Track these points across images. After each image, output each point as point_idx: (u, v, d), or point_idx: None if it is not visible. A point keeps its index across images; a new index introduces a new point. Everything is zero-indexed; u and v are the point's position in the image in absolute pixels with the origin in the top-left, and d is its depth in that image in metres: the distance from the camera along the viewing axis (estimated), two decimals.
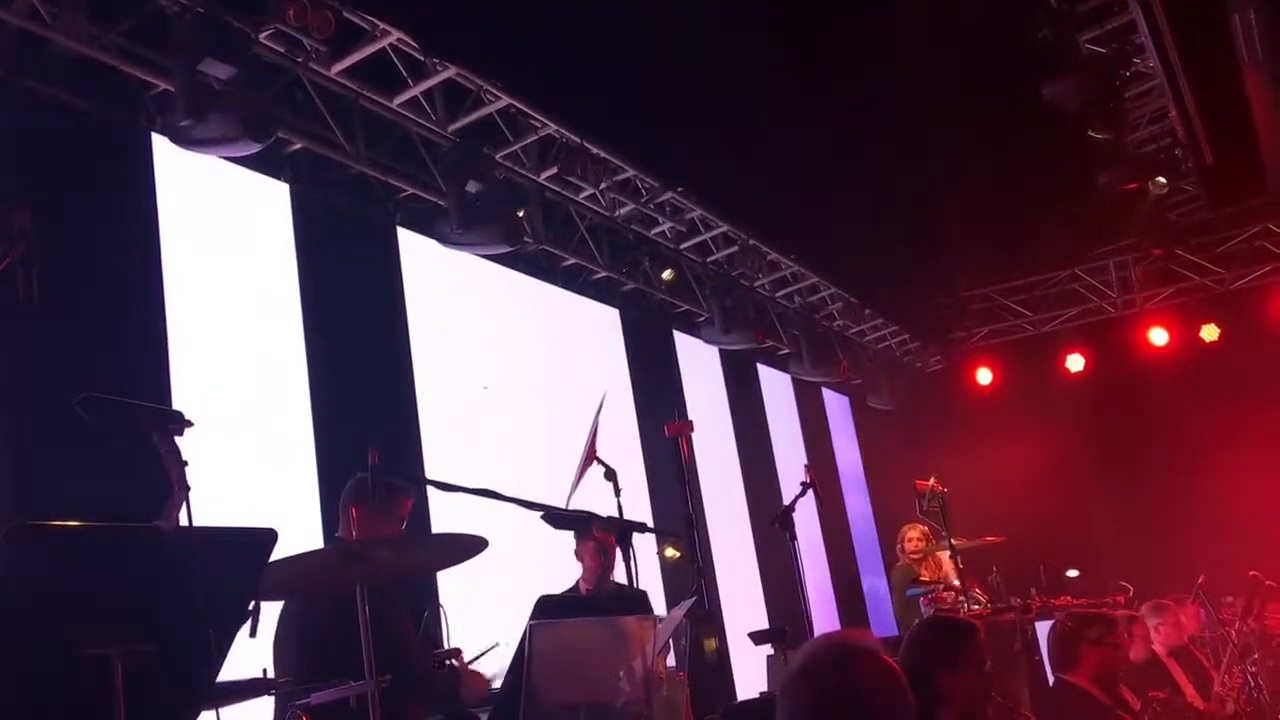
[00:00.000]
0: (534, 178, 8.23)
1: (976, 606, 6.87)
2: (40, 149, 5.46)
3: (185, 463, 2.42)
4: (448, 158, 7.53)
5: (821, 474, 10.85)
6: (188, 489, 2.38)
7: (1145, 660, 6.52)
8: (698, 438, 8.20)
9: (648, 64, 7.48)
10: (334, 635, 3.40)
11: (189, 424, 2.48)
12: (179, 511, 2.35)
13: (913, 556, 7.85)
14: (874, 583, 12.79)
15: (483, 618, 4.62)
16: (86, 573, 2.20)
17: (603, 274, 9.56)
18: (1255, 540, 10.45)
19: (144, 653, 2.21)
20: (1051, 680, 4.89)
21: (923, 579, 7.60)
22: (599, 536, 5.03)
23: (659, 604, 7.10)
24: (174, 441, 2.45)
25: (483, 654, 4.30)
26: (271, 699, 3.57)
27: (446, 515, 6.48)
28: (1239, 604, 7.63)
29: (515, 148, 7.95)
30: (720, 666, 8.04)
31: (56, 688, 2.22)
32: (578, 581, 5.72)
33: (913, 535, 7.90)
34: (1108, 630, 4.69)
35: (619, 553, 4.35)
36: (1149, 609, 7.11)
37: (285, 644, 3.82)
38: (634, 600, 4.25)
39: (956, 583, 7.11)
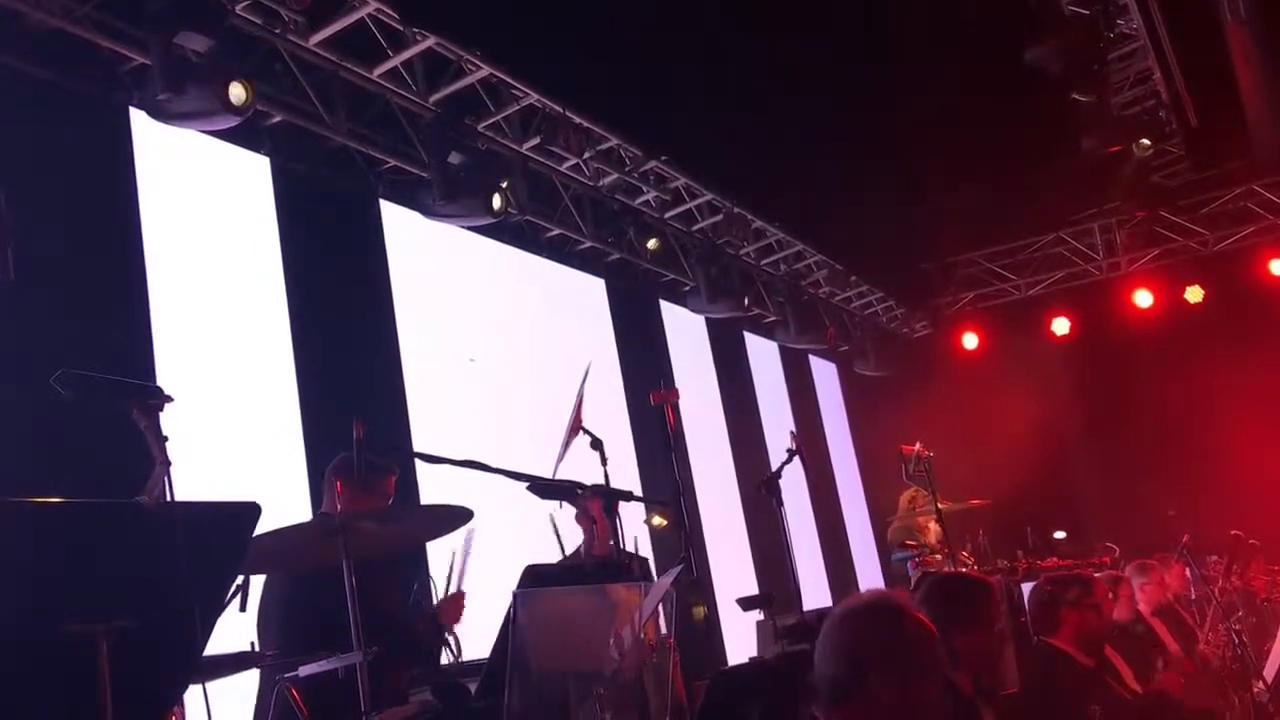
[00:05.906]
0: (517, 148, 8.18)
1: (963, 570, 6.92)
2: (16, 125, 5.40)
3: (166, 438, 2.41)
4: (429, 129, 7.48)
5: (809, 440, 10.90)
6: (168, 464, 2.37)
7: (1129, 620, 6.59)
8: (685, 406, 8.27)
9: (628, 32, 7.42)
10: (319, 607, 3.41)
11: (169, 399, 2.46)
12: (160, 487, 2.34)
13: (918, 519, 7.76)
14: (862, 547, 12.87)
15: (472, 588, 4.62)
16: (69, 550, 2.18)
17: (587, 244, 9.54)
18: (1239, 499, 10.55)
19: (128, 629, 2.21)
20: (1035, 643, 4.90)
21: (909, 543, 7.63)
22: (586, 505, 5.05)
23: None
24: (154, 416, 2.44)
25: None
26: (257, 672, 3.58)
27: (434, 487, 6.49)
28: (1223, 562, 7.72)
29: (497, 118, 7.89)
30: (709, 632, 8.09)
31: (41, 665, 2.21)
32: (578, 548, 5.70)
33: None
34: (1085, 591, 4.68)
35: (608, 521, 4.36)
36: (1134, 569, 7.19)
37: (270, 617, 3.83)
38: (626, 567, 4.26)
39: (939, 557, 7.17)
